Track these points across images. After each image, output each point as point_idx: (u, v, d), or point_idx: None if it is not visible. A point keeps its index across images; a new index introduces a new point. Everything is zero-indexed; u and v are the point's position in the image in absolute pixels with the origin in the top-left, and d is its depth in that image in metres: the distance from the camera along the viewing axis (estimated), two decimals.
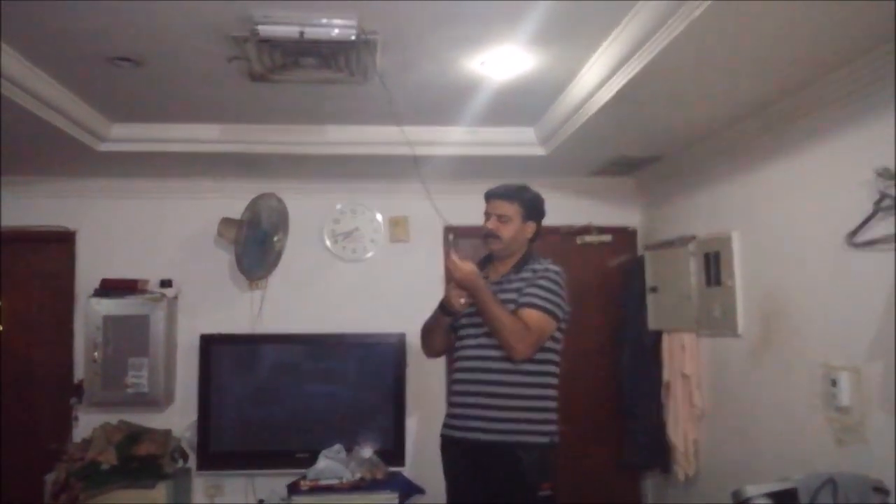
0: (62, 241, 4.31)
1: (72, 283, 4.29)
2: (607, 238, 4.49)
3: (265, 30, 2.40)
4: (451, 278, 2.70)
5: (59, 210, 4.30)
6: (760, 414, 3.25)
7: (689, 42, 2.32)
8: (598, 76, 2.82)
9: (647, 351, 4.18)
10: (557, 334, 2.71)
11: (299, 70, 2.83)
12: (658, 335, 4.12)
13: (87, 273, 4.26)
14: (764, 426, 3.22)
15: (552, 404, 2.69)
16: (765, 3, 2.06)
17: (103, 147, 3.66)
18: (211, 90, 3.13)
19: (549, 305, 2.62)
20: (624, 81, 2.71)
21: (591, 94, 2.97)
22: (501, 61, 2.77)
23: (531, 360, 2.61)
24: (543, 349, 2.65)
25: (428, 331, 2.89)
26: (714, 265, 3.59)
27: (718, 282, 3.56)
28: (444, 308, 2.75)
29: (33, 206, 4.27)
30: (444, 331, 2.85)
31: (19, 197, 4.24)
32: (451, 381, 2.82)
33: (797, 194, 2.99)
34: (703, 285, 3.69)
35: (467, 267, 2.61)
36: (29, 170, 4.09)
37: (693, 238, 3.79)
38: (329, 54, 2.69)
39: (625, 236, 4.59)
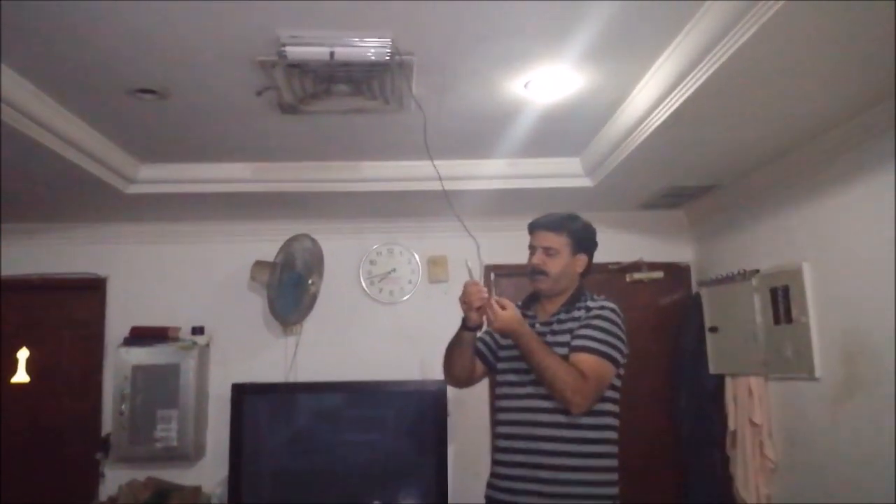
0: (92, 289, 4.20)
1: (102, 332, 4.17)
2: (659, 275, 4.21)
3: (293, 51, 2.24)
4: (469, 304, 2.34)
5: (90, 256, 4.21)
6: (843, 467, 2.93)
7: (754, 55, 2.13)
8: (652, 95, 2.61)
9: (708, 396, 3.88)
10: (616, 381, 2.39)
11: (331, 99, 2.68)
12: (720, 379, 3.82)
13: (118, 321, 4.15)
14: (847, 480, 2.90)
15: (612, 462, 2.37)
16: (832, 14, 1.88)
17: (132, 189, 3.56)
18: (240, 126, 3.00)
19: (606, 349, 2.30)
20: (681, 100, 2.50)
21: (645, 116, 2.75)
22: (547, 82, 2.58)
23: (589, 412, 2.30)
24: (601, 399, 2.33)
25: (449, 351, 2.54)
26: (783, 301, 3.30)
27: (789, 319, 3.26)
28: (465, 322, 2.44)
29: (64, 253, 4.19)
30: (467, 353, 2.50)
31: (49, 243, 4.19)
32: (494, 436, 2.50)
33: (876, 219, 2.70)
34: (771, 323, 3.40)
35: (508, 313, 2.28)
36: (58, 215, 4.01)
37: (756, 272, 3.52)
38: (362, 79, 2.53)
39: (677, 272, 4.32)
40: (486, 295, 2.31)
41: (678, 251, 4.34)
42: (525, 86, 2.61)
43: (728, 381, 3.74)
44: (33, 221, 4.08)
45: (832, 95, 2.52)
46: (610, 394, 2.36)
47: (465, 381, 2.60)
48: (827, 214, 3.03)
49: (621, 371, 2.39)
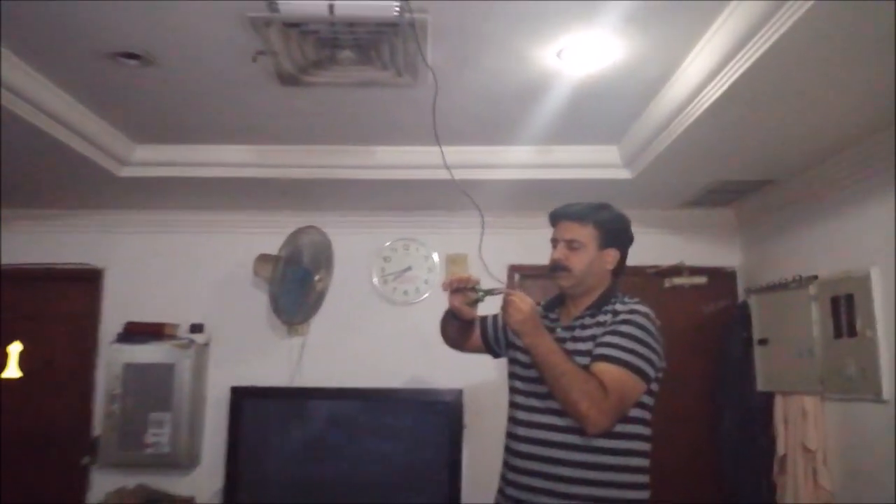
0: (88, 280, 3.95)
1: (96, 326, 3.90)
2: (701, 280, 3.81)
3: (287, 6, 1.93)
4: (453, 290, 2.09)
5: (87, 246, 3.95)
6: None
7: (830, 16, 1.78)
8: (705, 68, 2.25)
9: (755, 417, 3.50)
10: (647, 399, 2.02)
11: (336, 68, 2.37)
12: (769, 397, 3.44)
13: (114, 315, 3.90)
14: None
15: (640, 495, 2.00)
16: None
17: (126, 172, 3.29)
18: (240, 102, 2.72)
19: (634, 359, 1.94)
20: (738, 74, 2.16)
21: (695, 94, 2.40)
22: (584, 50, 2.24)
23: (610, 434, 1.94)
24: (628, 418, 1.97)
25: (443, 320, 2.33)
26: (846, 311, 2.94)
27: (852, 332, 2.89)
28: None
29: (59, 242, 3.94)
30: (455, 328, 2.28)
31: (42, 231, 3.94)
32: (504, 450, 2.18)
33: None
34: (830, 336, 3.03)
35: (524, 309, 1.95)
36: (50, 201, 3.76)
37: (814, 278, 3.15)
38: (370, 44, 2.21)
39: (721, 278, 3.92)
40: (463, 281, 2.08)
41: (723, 255, 3.96)
42: (558, 54, 2.27)
43: (778, 400, 3.35)
44: (24, 207, 3.84)
45: None
46: (638, 413, 2.00)
47: (456, 347, 2.43)
48: None
49: (653, 387, 2.02)
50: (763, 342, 3.46)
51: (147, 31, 2.17)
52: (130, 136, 3.13)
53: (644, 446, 2.01)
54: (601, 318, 2.05)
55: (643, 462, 2.00)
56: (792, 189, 3.31)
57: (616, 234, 2.14)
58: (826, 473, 3.06)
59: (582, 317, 2.09)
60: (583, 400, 1.86)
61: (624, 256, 2.17)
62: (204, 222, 3.97)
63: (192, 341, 3.74)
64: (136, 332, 3.75)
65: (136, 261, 3.96)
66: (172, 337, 3.76)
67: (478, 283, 2.09)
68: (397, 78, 2.42)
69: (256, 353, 3.87)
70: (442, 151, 2.70)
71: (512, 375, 2.19)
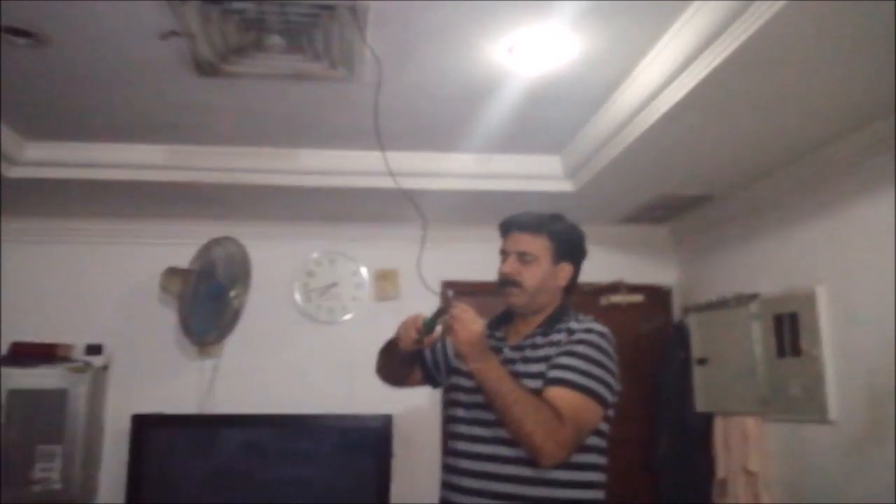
0: None
1: None
2: (638, 298, 3.73)
3: None
4: (406, 329, 1.88)
5: None
6: None
7: (797, 20, 1.72)
8: (663, 71, 2.14)
9: (693, 439, 3.41)
10: (603, 426, 1.87)
11: (261, 56, 2.13)
12: (708, 419, 3.36)
13: None
14: None
15: None
16: None
17: (15, 172, 2.96)
18: (149, 95, 2.45)
19: (591, 383, 1.80)
20: (697, 80, 2.06)
21: (650, 100, 2.29)
22: (537, 47, 2.08)
23: (565, 465, 1.78)
24: (584, 447, 1.82)
25: (382, 353, 2.13)
26: (789, 330, 2.89)
27: (796, 351, 2.84)
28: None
29: None
30: (396, 361, 2.07)
31: None
32: (442, 485, 1.97)
33: None
34: (773, 356, 2.99)
35: (478, 326, 1.75)
36: None
37: (755, 296, 3.09)
38: (301, 29, 1.98)
39: (657, 297, 3.86)
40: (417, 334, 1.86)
41: (659, 272, 3.91)
42: (509, 51, 2.10)
43: (718, 422, 3.28)
44: None
45: (864, 89, 2.12)
46: (594, 441, 1.83)
47: (396, 385, 2.23)
48: (848, 229, 2.62)
49: (610, 412, 1.85)
50: (702, 362, 3.39)
51: (41, 3, 1.86)
52: (20, 131, 2.80)
53: (601, 477, 1.85)
54: (554, 336, 1.88)
55: (599, 495, 1.84)
56: (732, 205, 3.28)
57: (571, 247, 1.98)
58: (768, 497, 3.00)
59: (533, 335, 1.91)
60: (538, 431, 1.68)
61: (577, 272, 2.02)
62: (105, 231, 3.68)
63: (88, 364, 3.43)
64: (23, 354, 3.40)
65: (26, 273, 3.62)
66: (66, 359, 3.44)
67: (424, 319, 1.85)
68: (331, 71, 2.21)
69: (162, 377, 3.59)
70: (385, 157, 2.51)
71: (453, 402, 1.98)
